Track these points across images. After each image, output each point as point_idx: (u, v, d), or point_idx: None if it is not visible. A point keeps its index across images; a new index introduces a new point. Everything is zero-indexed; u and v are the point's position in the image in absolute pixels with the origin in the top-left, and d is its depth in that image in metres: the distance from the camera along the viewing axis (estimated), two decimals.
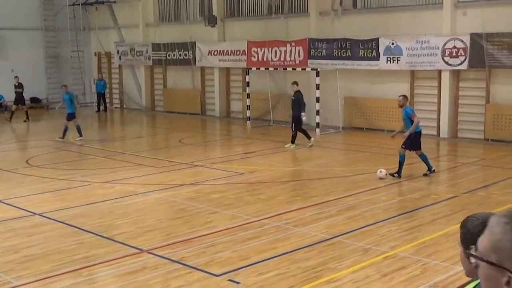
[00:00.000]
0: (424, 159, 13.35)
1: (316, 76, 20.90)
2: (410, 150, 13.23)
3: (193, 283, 7.34)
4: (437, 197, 11.78)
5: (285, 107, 23.31)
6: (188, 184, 13.04)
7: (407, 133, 12.97)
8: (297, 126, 17.70)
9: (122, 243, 8.98)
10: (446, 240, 8.70)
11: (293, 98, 18.03)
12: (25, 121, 25.71)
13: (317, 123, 20.86)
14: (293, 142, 17.73)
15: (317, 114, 20.93)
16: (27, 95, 30.41)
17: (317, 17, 22.31)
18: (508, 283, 1.67)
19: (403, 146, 13.09)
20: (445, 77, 19.09)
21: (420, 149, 13.32)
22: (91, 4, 31.10)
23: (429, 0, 19.56)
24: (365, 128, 20.96)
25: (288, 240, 9.02)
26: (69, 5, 31.13)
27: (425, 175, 13.34)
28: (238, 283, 7.31)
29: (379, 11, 20.90)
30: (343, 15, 21.74)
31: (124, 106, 31.44)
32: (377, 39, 20.21)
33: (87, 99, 32.28)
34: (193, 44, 26.51)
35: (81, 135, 19.87)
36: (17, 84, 26.69)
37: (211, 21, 25.44)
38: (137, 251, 8.63)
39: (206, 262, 8.08)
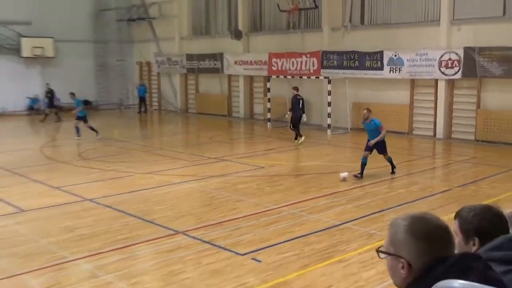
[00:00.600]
0: (390, 161, 12.92)
1: (328, 83, 20.82)
2: (371, 151, 12.69)
3: (221, 261, 7.38)
4: (432, 190, 11.69)
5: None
6: (217, 176, 13.08)
7: (373, 142, 12.45)
8: (295, 124, 18.15)
9: (160, 226, 9.07)
10: None
11: (293, 101, 18.47)
12: (56, 121, 25.67)
13: (328, 124, 20.81)
14: (300, 136, 18.04)
15: (328, 117, 20.87)
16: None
17: (329, 32, 22.23)
18: (402, 267, 1.93)
19: (384, 153, 12.74)
20: (441, 86, 18.93)
21: (387, 152, 12.85)
22: (134, 20, 31.32)
23: (428, 17, 19.41)
24: None
25: (303, 225, 9.03)
26: (115, 21, 31.42)
27: (392, 172, 12.95)
28: (259, 261, 7.34)
29: (383, 27, 20.76)
30: (352, 31, 21.63)
31: (162, 108, 31.63)
32: (382, 52, 20.09)
33: (130, 102, 32.54)
34: (221, 55, 26.57)
35: (78, 135, 19.84)
36: (47, 90, 26.69)
37: (237, 35, 25.48)
38: (173, 232, 8.71)
39: (232, 243, 8.13)
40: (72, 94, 21.39)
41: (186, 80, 29.99)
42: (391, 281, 6.35)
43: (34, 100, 29.33)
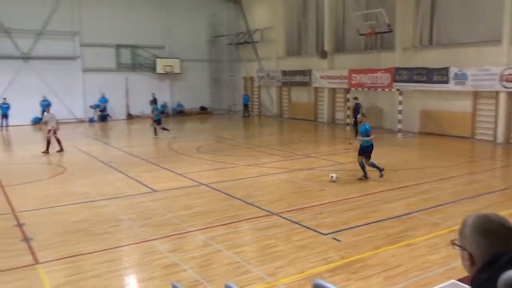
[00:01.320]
0: (372, 165, 11.55)
1: (399, 95, 19.96)
2: (365, 158, 11.55)
3: (307, 239, 7.26)
4: (492, 188, 10.79)
5: (375, 116, 22.57)
6: (304, 169, 12.95)
7: (360, 139, 11.42)
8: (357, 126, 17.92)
9: (259, 207, 9.10)
10: None
11: (354, 108, 18.78)
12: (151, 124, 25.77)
13: (399, 128, 19.96)
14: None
15: (399, 122, 20.01)
16: (197, 105, 31.99)
17: (401, 51, 21.27)
18: (467, 258, 1.86)
19: (367, 159, 11.49)
20: (502, 97, 17.44)
21: (370, 158, 11.53)
22: (241, 43, 31.88)
23: (491, 38, 17.97)
24: (436, 134, 19.71)
25: (377, 213, 8.67)
26: (226, 45, 32.15)
27: (380, 176, 11.52)
28: (339, 240, 7.14)
29: (449, 46, 19.50)
30: (421, 50, 20.57)
31: (261, 114, 31.94)
32: (448, 68, 18.87)
33: (236, 108, 33.10)
34: (309, 71, 26.31)
35: (167, 130, 20.22)
36: (152, 99, 27.13)
37: (323, 55, 25.13)
38: (269, 213, 8.70)
39: (316, 224, 7.98)
40: (151, 101, 21.92)
41: (281, 91, 30.03)
42: (453, 264, 5.91)
43: (163, 106, 30.75)
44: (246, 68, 32.63)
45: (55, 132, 16.29)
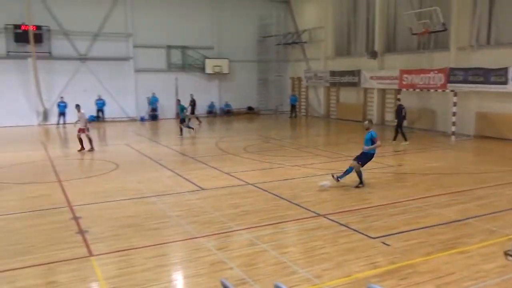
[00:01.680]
0: (359, 175, 10.91)
1: (454, 96, 19.23)
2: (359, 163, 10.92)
3: (355, 242, 7.14)
4: None
5: (426, 118, 21.89)
6: None
7: (366, 148, 10.81)
8: (400, 128, 18.19)
9: (305, 208, 9.05)
10: None
11: (397, 109, 18.65)
12: (199, 124, 25.46)
13: (452, 131, 19.23)
14: (406, 139, 17.78)
15: (453, 125, 19.28)
16: (244, 105, 32.23)
17: (456, 51, 20.48)
18: None
19: (359, 163, 10.88)
20: None
21: (363, 165, 10.99)
22: (289, 44, 31.80)
23: None
24: (493, 137, 18.80)
25: (428, 218, 8.39)
26: (275, 45, 32.17)
27: (357, 187, 10.79)
28: (388, 245, 6.97)
29: (509, 45, 18.55)
30: (478, 49, 19.70)
31: (308, 114, 31.71)
32: (507, 68, 17.96)
33: (283, 108, 33.04)
34: (359, 72, 25.86)
35: (192, 129, 21.43)
36: (191, 100, 26.92)
37: (373, 55, 24.64)
38: (316, 215, 8.63)
39: (364, 227, 7.83)
40: (178, 100, 22.19)
41: (329, 91, 29.70)
42: (510, 274, 5.64)
43: (211, 105, 31.25)
44: (294, 68, 32.52)
45: (88, 130, 16.88)
